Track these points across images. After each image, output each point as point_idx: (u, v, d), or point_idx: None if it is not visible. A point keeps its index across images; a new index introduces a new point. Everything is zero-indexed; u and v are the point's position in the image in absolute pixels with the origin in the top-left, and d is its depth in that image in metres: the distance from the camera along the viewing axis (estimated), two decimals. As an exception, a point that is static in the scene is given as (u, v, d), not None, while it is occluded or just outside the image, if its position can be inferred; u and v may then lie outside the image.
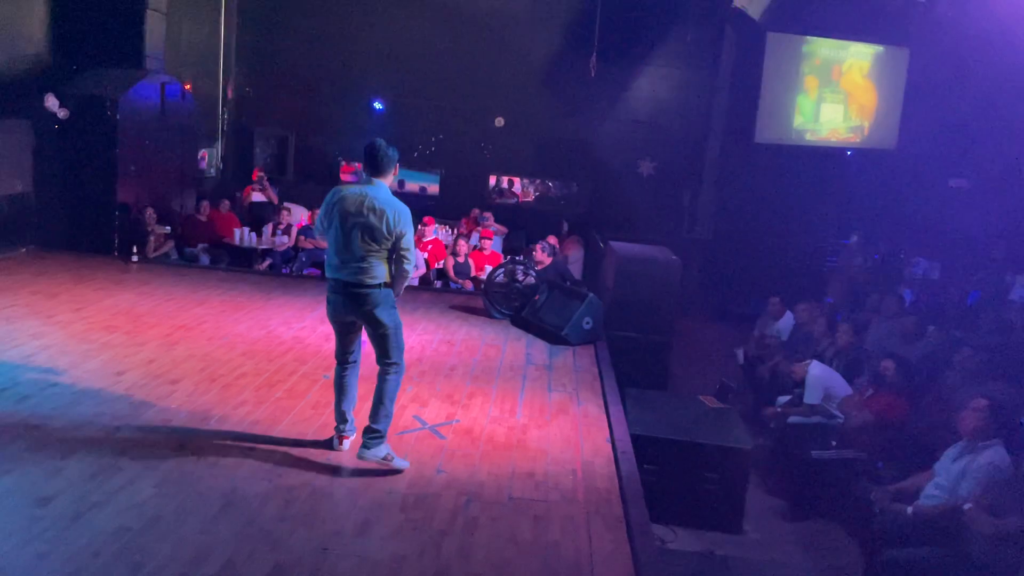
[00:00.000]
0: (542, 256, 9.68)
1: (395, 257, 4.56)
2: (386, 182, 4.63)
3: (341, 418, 4.81)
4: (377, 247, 4.51)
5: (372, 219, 4.46)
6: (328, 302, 4.70)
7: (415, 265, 4.82)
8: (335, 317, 4.73)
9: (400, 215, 4.53)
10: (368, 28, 13.52)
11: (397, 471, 4.55)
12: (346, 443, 4.80)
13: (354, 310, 4.59)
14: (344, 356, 4.82)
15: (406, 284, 4.77)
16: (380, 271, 4.54)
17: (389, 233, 4.48)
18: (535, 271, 8.83)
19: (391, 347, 4.63)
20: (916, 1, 11.67)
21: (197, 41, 12.56)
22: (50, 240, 9.51)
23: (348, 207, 4.51)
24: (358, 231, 4.48)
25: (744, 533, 6.06)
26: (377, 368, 4.67)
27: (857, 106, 13.77)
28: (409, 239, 4.56)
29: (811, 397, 7.01)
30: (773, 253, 13.06)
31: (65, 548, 3.42)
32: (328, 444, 4.79)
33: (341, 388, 4.80)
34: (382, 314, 4.56)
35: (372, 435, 4.57)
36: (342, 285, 4.58)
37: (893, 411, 6.50)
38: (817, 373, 7.10)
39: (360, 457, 4.57)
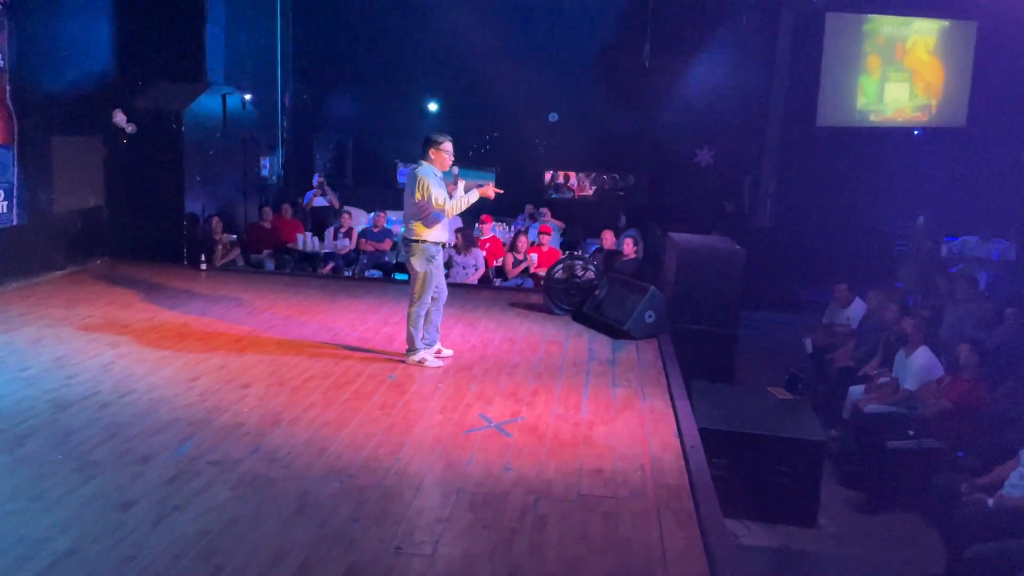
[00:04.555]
0: (630, 250, 9.64)
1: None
2: (427, 162, 6.09)
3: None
4: (414, 210, 6.03)
5: (408, 188, 6.07)
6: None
7: (449, 206, 6.04)
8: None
9: (415, 176, 6.02)
10: (420, 30, 13.64)
11: (437, 365, 6.29)
12: (444, 351, 6.57)
13: (405, 258, 6.24)
14: None
15: (460, 208, 6.08)
16: (418, 230, 6.06)
17: (420, 194, 5.93)
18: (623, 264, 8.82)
19: (414, 289, 6.17)
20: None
21: (255, 51, 12.83)
22: (123, 251, 9.84)
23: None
24: (406, 198, 6.12)
25: (820, 527, 5.93)
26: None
27: (923, 84, 13.34)
28: (433, 193, 5.90)
29: (911, 383, 6.80)
30: (839, 239, 12.75)
31: (149, 551, 3.52)
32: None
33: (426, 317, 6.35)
34: (414, 262, 6.11)
35: (407, 350, 6.33)
36: (402, 240, 6.31)
37: (971, 398, 6.28)
38: (924, 360, 6.86)
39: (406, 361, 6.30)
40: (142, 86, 9.89)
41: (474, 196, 6.14)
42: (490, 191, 6.20)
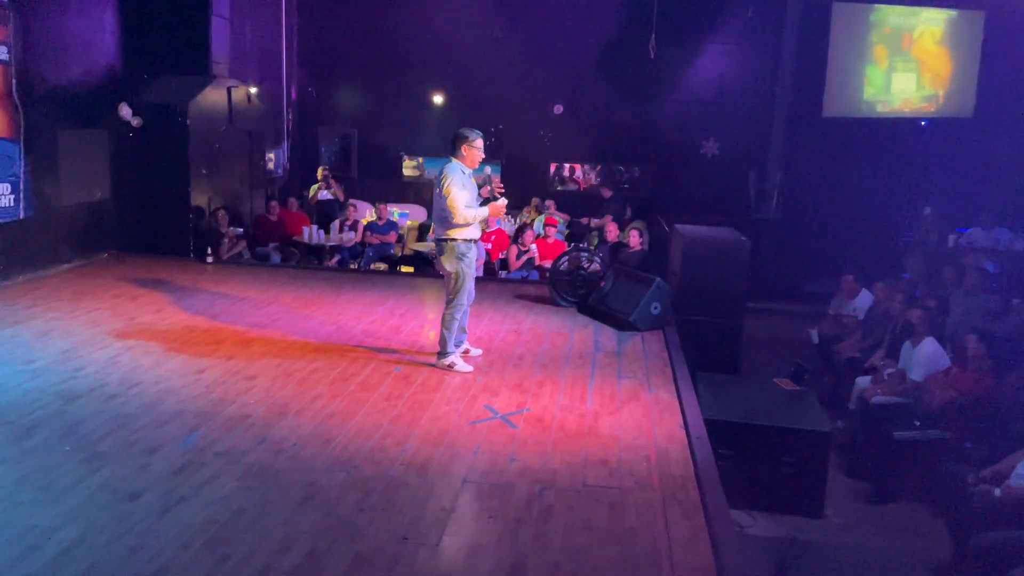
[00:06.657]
0: (636, 242, 9.65)
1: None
2: (457, 159, 5.86)
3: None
4: (442, 209, 5.79)
5: (436, 188, 5.86)
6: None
7: (462, 214, 5.79)
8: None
9: (441, 173, 5.81)
10: (425, 22, 13.57)
11: (464, 372, 6.00)
12: (472, 351, 6.42)
13: (437, 258, 6.04)
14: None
15: (477, 219, 5.86)
16: (446, 228, 5.82)
17: (443, 193, 5.73)
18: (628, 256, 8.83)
19: (449, 289, 5.95)
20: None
21: (260, 44, 12.81)
22: (129, 244, 9.86)
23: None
24: (434, 197, 5.92)
25: (826, 517, 5.93)
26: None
27: (930, 74, 13.26)
28: (452, 195, 5.69)
29: (918, 374, 6.78)
30: (845, 229, 12.70)
31: (155, 541, 3.54)
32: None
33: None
34: (444, 262, 5.92)
35: (438, 352, 6.09)
36: (434, 239, 6.02)
37: (978, 389, 6.27)
38: (930, 350, 6.83)
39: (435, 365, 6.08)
40: (148, 79, 9.89)
41: (484, 212, 5.92)
42: (500, 208, 6.00)
